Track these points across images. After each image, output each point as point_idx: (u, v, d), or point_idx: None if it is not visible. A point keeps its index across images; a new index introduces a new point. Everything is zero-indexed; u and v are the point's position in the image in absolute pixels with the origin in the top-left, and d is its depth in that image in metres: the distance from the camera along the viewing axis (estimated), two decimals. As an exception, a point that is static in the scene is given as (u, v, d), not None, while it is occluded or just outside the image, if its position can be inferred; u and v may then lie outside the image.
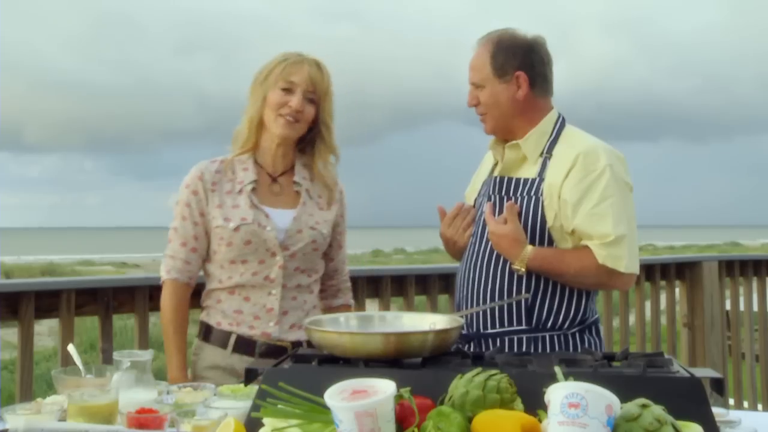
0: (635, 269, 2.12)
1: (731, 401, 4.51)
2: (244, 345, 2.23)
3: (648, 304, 4.33)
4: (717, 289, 4.41)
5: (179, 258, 2.26)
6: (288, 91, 2.23)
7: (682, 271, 4.43)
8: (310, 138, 2.33)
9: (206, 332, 2.29)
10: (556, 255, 2.12)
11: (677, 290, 4.50)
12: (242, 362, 2.16)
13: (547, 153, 2.18)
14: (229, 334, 2.24)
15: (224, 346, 2.24)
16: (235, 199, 2.25)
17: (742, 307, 4.79)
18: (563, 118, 2.25)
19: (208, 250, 2.28)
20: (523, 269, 2.09)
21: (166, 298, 2.28)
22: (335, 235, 2.40)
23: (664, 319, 4.45)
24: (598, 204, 2.07)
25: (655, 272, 4.30)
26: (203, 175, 2.26)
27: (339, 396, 1.34)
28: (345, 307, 2.47)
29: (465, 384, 1.40)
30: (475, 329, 2.19)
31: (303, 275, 2.30)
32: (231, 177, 2.28)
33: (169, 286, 2.27)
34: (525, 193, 2.15)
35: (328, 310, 2.44)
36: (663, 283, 4.40)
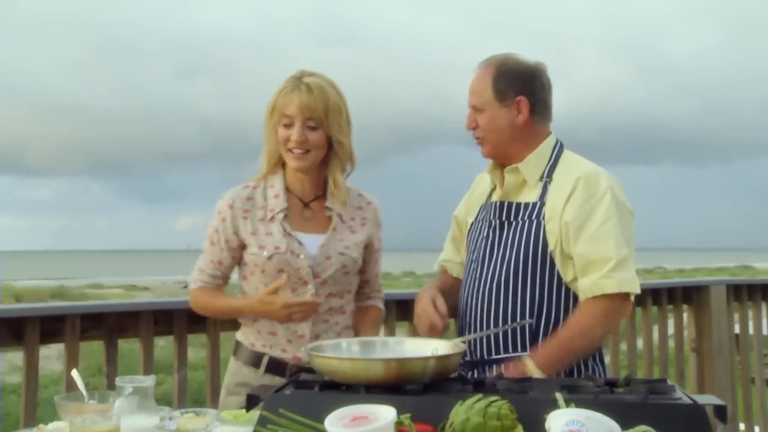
0: (637, 289, 2.11)
1: (742, 426, 4.47)
2: (276, 366, 2.26)
3: (655, 329, 4.31)
4: (725, 313, 4.38)
5: (207, 272, 2.33)
6: (288, 126, 2.23)
7: (689, 295, 4.40)
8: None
9: (240, 352, 2.34)
10: (557, 340, 2.08)
11: (685, 314, 4.48)
12: (274, 382, 2.16)
13: (547, 177, 2.18)
14: (261, 355, 2.28)
15: (257, 366, 2.28)
16: (267, 226, 2.25)
17: (751, 332, 4.75)
18: (561, 143, 2.26)
19: (238, 267, 2.34)
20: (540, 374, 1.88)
21: (197, 299, 2.37)
22: (369, 254, 2.38)
23: (672, 343, 4.42)
24: (600, 227, 2.07)
25: (662, 296, 4.27)
26: (234, 203, 2.28)
27: (339, 422, 1.34)
28: (374, 309, 2.43)
29: (465, 410, 1.40)
30: (479, 356, 2.18)
31: (335, 298, 2.30)
32: (263, 204, 2.28)
33: (197, 290, 2.36)
34: (526, 218, 2.15)
35: (357, 311, 2.41)
36: (670, 307, 4.38)
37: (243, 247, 2.28)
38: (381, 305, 2.47)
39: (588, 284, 2.08)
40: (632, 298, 2.12)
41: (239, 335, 2.38)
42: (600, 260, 2.06)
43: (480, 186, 2.43)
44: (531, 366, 1.90)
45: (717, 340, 4.32)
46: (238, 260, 2.32)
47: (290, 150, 2.24)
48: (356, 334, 2.35)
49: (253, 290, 2.29)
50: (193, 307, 2.41)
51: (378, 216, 2.41)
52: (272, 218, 2.26)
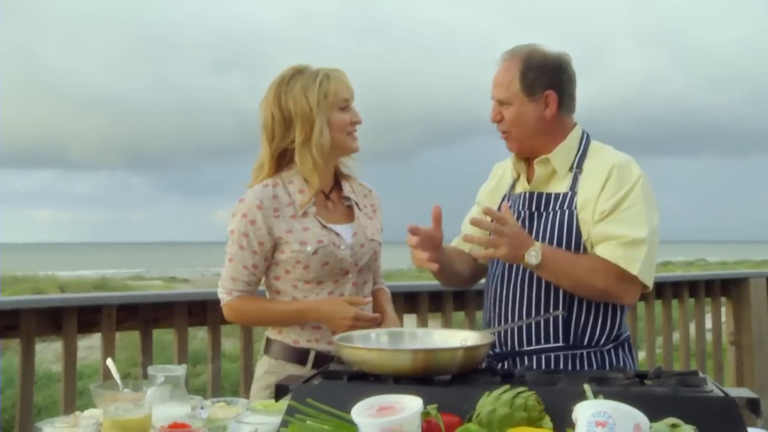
0: (648, 281, 2.06)
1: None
2: (323, 360, 2.20)
3: (693, 321, 4.25)
4: (765, 306, 4.30)
5: (242, 280, 2.24)
6: (344, 108, 2.25)
7: (728, 287, 4.33)
8: None
9: (277, 349, 2.28)
10: (567, 252, 2.08)
11: (723, 308, 4.41)
12: None
13: (577, 168, 2.15)
14: (308, 351, 2.25)
15: (303, 362, 2.24)
16: (302, 222, 2.23)
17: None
18: (587, 134, 2.23)
19: (267, 271, 2.27)
20: (539, 259, 1.97)
21: (239, 308, 2.26)
22: None
23: (710, 336, 4.36)
24: (624, 210, 2.05)
25: (699, 289, 4.21)
26: (262, 203, 2.20)
27: (366, 412, 1.35)
28: (381, 291, 2.44)
29: (492, 401, 1.40)
30: (510, 347, 2.16)
31: (366, 286, 2.33)
32: (289, 200, 2.24)
33: (237, 300, 2.25)
34: (558, 208, 2.13)
35: (373, 293, 2.41)
36: (708, 299, 4.31)
37: (275, 247, 2.23)
38: (385, 287, 2.50)
39: (598, 250, 2.06)
40: (640, 283, 2.06)
41: (272, 333, 2.32)
42: (615, 236, 2.03)
43: (497, 175, 2.41)
44: (537, 247, 1.96)
45: (757, 333, 4.25)
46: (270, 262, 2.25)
47: (350, 133, 2.27)
48: (382, 312, 2.34)
49: (290, 288, 2.25)
50: (234, 318, 2.32)
51: (380, 203, 2.45)
52: (305, 213, 2.24)
